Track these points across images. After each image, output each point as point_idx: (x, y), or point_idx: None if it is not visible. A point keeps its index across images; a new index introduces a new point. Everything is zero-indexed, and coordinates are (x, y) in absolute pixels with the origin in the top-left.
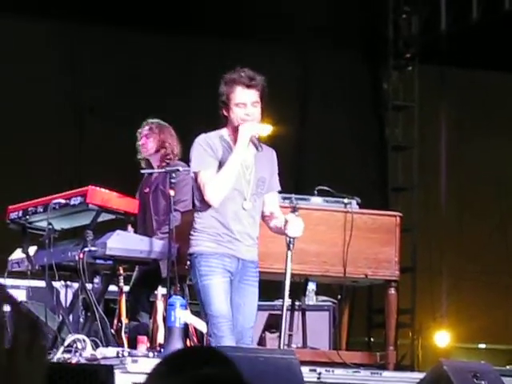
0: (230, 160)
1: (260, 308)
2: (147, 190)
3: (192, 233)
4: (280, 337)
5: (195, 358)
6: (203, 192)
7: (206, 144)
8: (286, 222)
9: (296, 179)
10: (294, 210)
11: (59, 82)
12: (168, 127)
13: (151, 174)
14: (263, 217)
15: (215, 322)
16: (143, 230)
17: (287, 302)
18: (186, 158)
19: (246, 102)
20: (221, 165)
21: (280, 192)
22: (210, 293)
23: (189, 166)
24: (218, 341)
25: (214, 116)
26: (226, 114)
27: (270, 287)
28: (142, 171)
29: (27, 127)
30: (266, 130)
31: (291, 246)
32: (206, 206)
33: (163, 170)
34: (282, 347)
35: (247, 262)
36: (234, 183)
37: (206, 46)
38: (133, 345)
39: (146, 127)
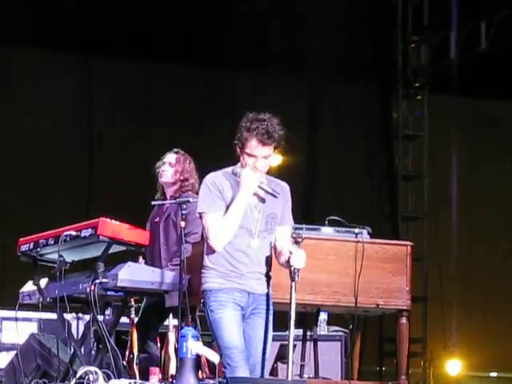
0: (234, 205)
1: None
2: (157, 219)
3: (202, 270)
4: (287, 367)
5: None
6: (206, 235)
7: (213, 185)
8: (290, 253)
9: (306, 209)
10: (296, 241)
11: (74, 110)
12: (191, 160)
13: (163, 204)
14: (274, 251)
15: (228, 353)
16: (150, 259)
17: (293, 332)
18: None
19: (257, 155)
20: (230, 202)
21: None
22: (222, 325)
23: None
24: (233, 371)
25: (227, 147)
26: (239, 153)
27: (281, 318)
28: (153, 202)
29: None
30: (276, 160)
31: (295, 276)
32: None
33: (174, 201)
34: (290, 378)
35: (258, 295)
36: (242, 221)
37: (219, 78)
38: (144, 376)
39: (174, 156)
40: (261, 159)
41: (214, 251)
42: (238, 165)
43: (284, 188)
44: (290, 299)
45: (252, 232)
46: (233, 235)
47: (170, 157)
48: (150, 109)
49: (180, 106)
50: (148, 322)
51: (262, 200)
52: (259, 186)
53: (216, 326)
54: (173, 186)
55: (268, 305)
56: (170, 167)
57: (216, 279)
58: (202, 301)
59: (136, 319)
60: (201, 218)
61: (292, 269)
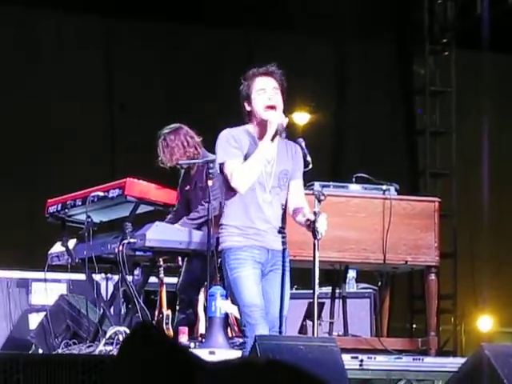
0: (260, 147)
1: (300, 296)
2: (188, 187)
3: (220, 229)
4: (313, 325)
5: None
6: (230, 180)
7: (231, 136)
8: (314, 214)
9: (334, 167)
10: (319, 199)
11: (94, 77)
12: (178, 129)
13: (189, 170)
14: (289, 208)
15: (247, 311)
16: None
17: (317, 290)
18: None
19: (265, 87)
20: (246, 158)
21: (317, 180)
22: (241, 284)
23: None
24: (253, 329)
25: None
26: (248, 108)
27: (310, 275)
28: (181, 162)
29: (65, 121)
30: (303, 118)
31: (317, 235)
32: (230, 198)
33: (201, 160)
34: (315, 335)
35: (276, 252)
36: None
37: (241, 37)
38: (175, 337)
39: (158, 143)
40: (271, 91)
41: (231, 210)
42: (250, 125)
43: (295, 148)
44: (314, 258)
45: (265, 186)
46: (256, 177)
47: (157, 146)
48: (171, 73)
49: (197, 69)
50: (191, 292)
51: (283, 133)
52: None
53: (235, 284)
54: (182, 159)
55: (284, 261)
56: (163, 153)
57: (235, 237)
58: (219, 260)
59: (165, 279)
60: (221, 169)
61: (316, 231)
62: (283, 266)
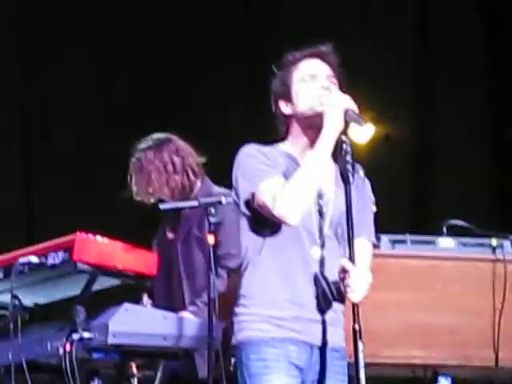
0: (318, 147)
1: None
2: (172, 235)
3: (236, 308)
4: None
5: None
6: (271, 207)
7: (259, 152)
8: (344, 271)
9: (413, 210)
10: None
11: None
12: (163, 144)
13: (177, 211)
14: None
15: None
16: (167, 301)
17: None
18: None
19: (316, 74)
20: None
21: (385, 232)
22: None
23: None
24: None
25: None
26: (287, 109)
27: None
28: (161, 207)
29: None
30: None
31: (356, 313)
32: (260, 253)
33: (195, 202)
34: None
35: (329, 351)
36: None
37: None
38: None
39: (130, 165)
40: (324, 80)
41: (258, 270)
42: (287, 143)
43: (360, 176)
44: (355, 355)
45: (314, 234)
46: (308, 200)
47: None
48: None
49: None
50: None
51: (346, 176)
52: (347, 117)
53: None
54: (164, 193)
55: (343, 366)
56: (135, 179)
57: (260, 324)
58: (233, 360)
59: None
60: (247, 205)
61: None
62: (343, 373)
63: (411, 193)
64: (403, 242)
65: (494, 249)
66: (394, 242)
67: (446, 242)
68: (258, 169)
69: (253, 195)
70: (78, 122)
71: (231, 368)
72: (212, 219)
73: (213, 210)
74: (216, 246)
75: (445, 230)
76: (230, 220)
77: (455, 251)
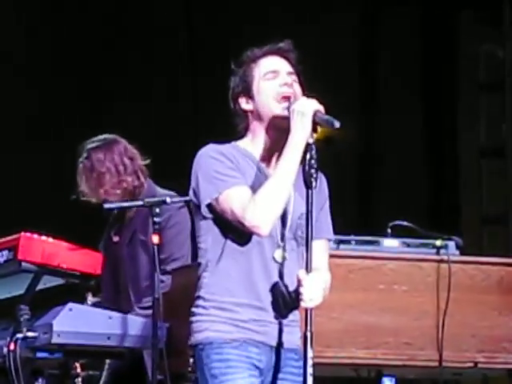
0: (290, 147)
1: None
2: (117, 238)
3: (194, 309)
4: None
5: None
6: (241, 217)
7: (221, 155)
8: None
9: (358, 209)
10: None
11: None
12: (111, 144)
13: (122, 212)
14: None
15: None
16: (113, 301)
17: None
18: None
19: (277, 70)
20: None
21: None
22: None
23: (184, 195)
24: None
25: None
26: (248, 105)
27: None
28: (106, 206)
29: None
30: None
31: (309, 319)
32: (221, 255)
33: (140, 202)
34: None
35: (286, 352)
36: None
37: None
38: None
39: (78, 164)
40: (285, 76)
41: (218, 273)
42: (246, 139)
43: (321, 179)
44: (304, 357)
45: (276, 237)
46: (280, 211)
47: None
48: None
49: None
50: None
51: (309, 181)
52: (317, 119)
53: None
54: (113, 195)
55: (298, 367)
56: (84, 186)
57: (221, 325)
58: (191, 360)
59: None
60: (212, 207)
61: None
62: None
63: (357, 194)
64: (348, 242)
65: (438, 249)
66: (338, 242)
67: (390, 243)
68: (222, 173)
69: (216, 200)
70: None
71: (189, 368)
72: (157, 219)
73: (157, 210)
74: (159, 246)
75: (389, 230)
76: (173, 220)
77: (399, 251)
